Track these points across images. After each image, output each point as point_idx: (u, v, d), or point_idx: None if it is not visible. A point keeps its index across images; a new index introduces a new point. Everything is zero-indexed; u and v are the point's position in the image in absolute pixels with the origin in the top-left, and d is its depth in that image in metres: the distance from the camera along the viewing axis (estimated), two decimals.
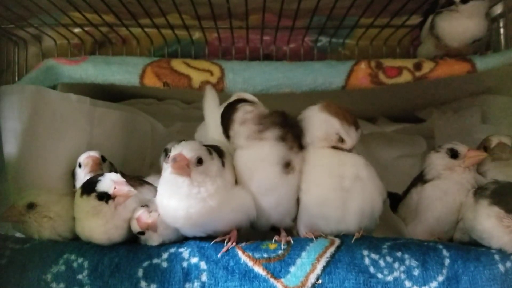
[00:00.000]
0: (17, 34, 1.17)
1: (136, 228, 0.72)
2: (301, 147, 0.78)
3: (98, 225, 0.71)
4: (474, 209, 0.74)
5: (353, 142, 0.77)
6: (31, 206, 0.74)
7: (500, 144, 0.85)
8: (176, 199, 0.69)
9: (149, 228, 0.71)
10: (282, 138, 0.74)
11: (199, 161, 0.68)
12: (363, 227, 0.75)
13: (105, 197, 0.71)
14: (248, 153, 0.74)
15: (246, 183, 0.74)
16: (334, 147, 0.77)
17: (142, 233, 0.72)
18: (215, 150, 0.73)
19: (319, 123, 0.77)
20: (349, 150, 0.77)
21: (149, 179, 0.84)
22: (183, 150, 0.68)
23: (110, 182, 0.72)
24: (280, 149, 0.74)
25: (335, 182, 0.74)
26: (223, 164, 0.73)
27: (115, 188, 0.71)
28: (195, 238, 0.73)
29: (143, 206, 0.73)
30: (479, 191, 0.76)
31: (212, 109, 0.86)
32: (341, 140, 0.77)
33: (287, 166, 0.74)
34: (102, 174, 0.74)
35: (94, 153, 0.86)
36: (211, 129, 0.85)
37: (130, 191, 0.71)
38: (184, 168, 0.67)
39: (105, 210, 0.71)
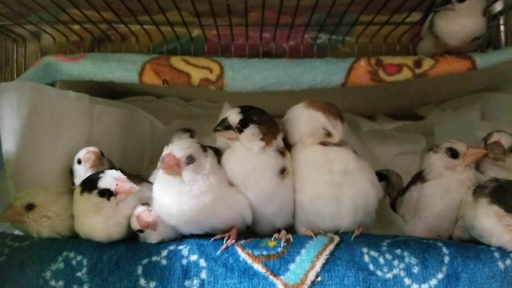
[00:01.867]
0: (16, 31, 1.17)
1: (136, 226, 0.72)
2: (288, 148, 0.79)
3: (98, 223, 0.71)
4: (474, 207, 0.73)
5: (340, 135, 0.77)
6: (29, 206, 0.74)
7: (494, 144, 0.84)
8: (169, 197, 0.69)
9: (149, 227, 0.71)
10: (280, 152, 0.75)
11: (190, 159, 0.69)
12: (360, 223, 0.75)
13: (107, 194, 0.71)
14: (242, 156, 0.75)
15: (239, 186, 0.74)
16: (322, 143, 0.77)
17: (141, 230, 0.72)
18: (212, 149, 0.74)
19: (305, 119, 0.78)
20: (337, 144, 0.77)
21: (152, 177, 0.84)
22: (174, 149, 0.69)
23: (111, 178, 0.72)
24: (277, 159, 0.75)
25: (326, 178, 0.75)
26: (219, 162, 0.74)
27: (117, 185, 0.71)
28: (194, 236, 0.73)
29: (143, 204, 0.73)
30: (478, 190, 0.76)
31: None
32: (328, 134, 0.77)
33: (282, 172, 0.74)
34: (102, 171, 0.74)
35: (93, 149, 0.86)
36: (218, 139, 0.88)
37: (132, 187, 0.71)
38: (174, 167, 0.68)
39: (106, 207, 0.71)
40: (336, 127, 0.77)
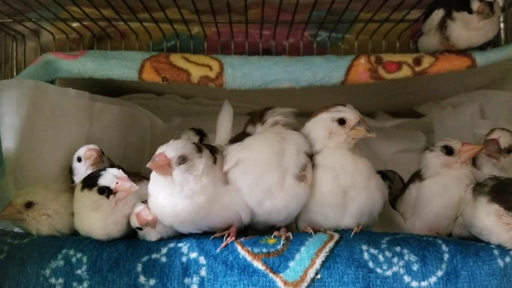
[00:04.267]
0: (15, 28, 1.17)
1: (135, 223, 0.72)
2: None
3: (97, 220, 0.71)
4: (473, 205, 0.73)
5: (354, 114, 0.76)
6: (29, 204, 0.74)
7: (491, 141, 0.84)
8: (163, 197, 0.69)
9: (149, 225, 0.71)
10: None
11: (182, 160, 0.68)
12: (362, 225, 0.75)
13: (106, 191, 0.71)
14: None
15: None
16: (350, 149, 0.77)
17: (140, 228, 0.72)
18: (208, 148, 0.73)
19: (315, 126, 0.78)
20: (351, 150, 0.77)
21: None
22: (166, 149, 0.68)
23: (112, 177, 0.72)
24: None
25: (337, 182, 0.74)
26: (215, 161, 0.73)
27: (117, 183, 0.71)
28: (194, 234, 0.73)
29: (143, 202, 0.73)
30: (477, 188, 0.76)
31: (223, 121, 0.89)
32: (341, 121, 0.76)
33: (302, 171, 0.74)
34: (104, 169, 0.74)
35: (94, 146, 0.85)
36: (218, 137, 0.88)
37: (132, 186, 0.71)
38: (164, 167, 0.67)
39: (105, 205, 0.71)
40: (340, 109, 0.77)
